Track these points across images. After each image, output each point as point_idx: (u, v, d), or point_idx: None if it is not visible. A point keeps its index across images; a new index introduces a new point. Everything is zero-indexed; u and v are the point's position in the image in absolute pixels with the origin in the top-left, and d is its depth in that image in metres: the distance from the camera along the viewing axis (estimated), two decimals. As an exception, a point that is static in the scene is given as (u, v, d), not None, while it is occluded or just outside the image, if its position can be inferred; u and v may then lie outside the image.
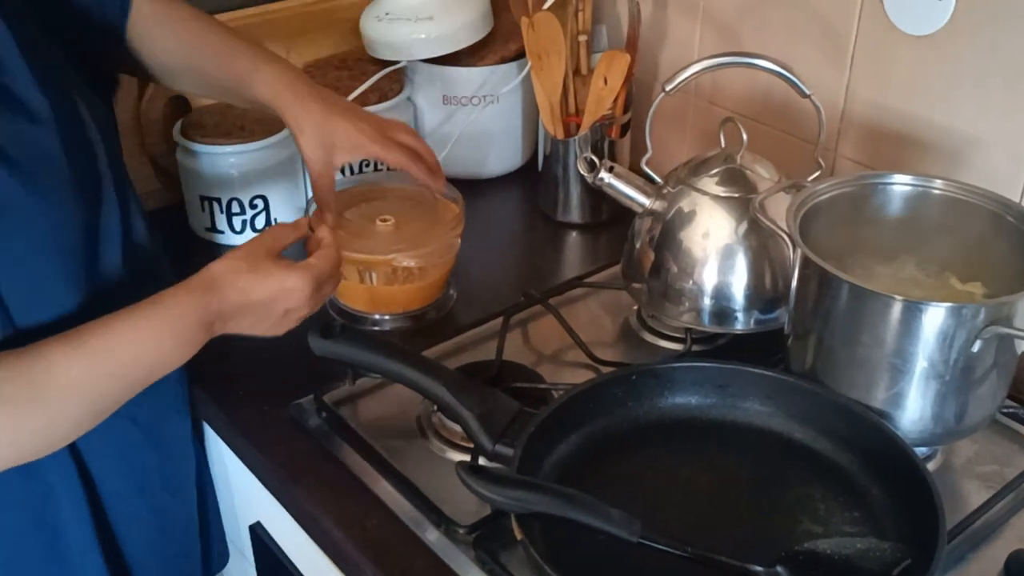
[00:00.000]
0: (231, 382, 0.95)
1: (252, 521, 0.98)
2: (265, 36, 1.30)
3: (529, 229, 1.27)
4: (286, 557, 0.95)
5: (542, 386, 0.90)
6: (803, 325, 0.85)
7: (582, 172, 0.99)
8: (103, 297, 0.78)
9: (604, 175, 0.97)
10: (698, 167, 0.98)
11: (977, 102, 0.95)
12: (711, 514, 0.77)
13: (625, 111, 1.20)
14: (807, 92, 0.91)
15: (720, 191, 0.95)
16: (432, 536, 0.79)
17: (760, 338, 0.96)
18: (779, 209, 0.87)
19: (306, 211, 1.04)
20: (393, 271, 1.02)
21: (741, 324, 0.96)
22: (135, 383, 0.75)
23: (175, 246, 0.96)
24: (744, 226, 0.94)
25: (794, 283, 0.85)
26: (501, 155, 1.32)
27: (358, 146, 0.94)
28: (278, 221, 1.19)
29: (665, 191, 0.98)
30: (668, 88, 0.93)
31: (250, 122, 1.17)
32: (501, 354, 0.94)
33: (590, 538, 0.69)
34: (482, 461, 0.81)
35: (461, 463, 0.66)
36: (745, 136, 0.94)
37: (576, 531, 0.69)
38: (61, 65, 0.79)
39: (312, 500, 0.84)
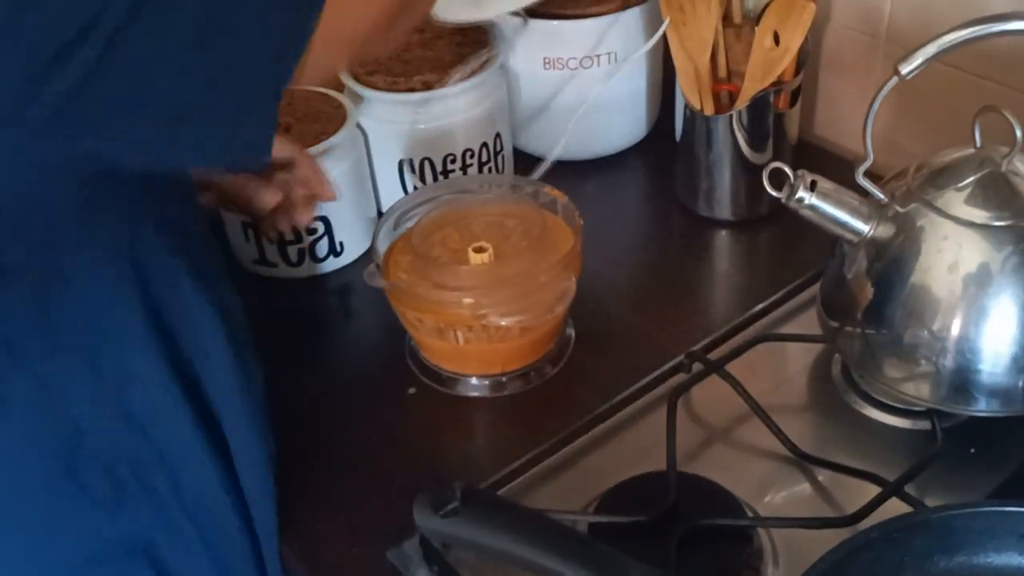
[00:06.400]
0: (306, 519, 0.70)
1: None
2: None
3: (663, 228, 0.98)
4: None
5: (744, 522, 0.63)
6: None
7: (770, 191, 0.69)
8: None
9: (804, 195, 0.68)
10: (938, 175, 0.69)
11: None
12: None
13: (796, 73, 0.89)
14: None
15: (977, 216, 0.66)
16: None
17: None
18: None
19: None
20: (484, 329, 0.76)
21: (1001, 404, 0.67)
22: None
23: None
24: (1014, 259, 0.65)
25: None
26: (618, 130, 1.02)
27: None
28: (344, 247, 0.92)
29: (891, 213, 0.69)
30: (904, 72, 0.64)
31: (299, 121, 0.89)
32: (674, 467, 0.67)
33: None
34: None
35: None
36: (1020, 132, 0.64)
37: None
38: None
39: None
